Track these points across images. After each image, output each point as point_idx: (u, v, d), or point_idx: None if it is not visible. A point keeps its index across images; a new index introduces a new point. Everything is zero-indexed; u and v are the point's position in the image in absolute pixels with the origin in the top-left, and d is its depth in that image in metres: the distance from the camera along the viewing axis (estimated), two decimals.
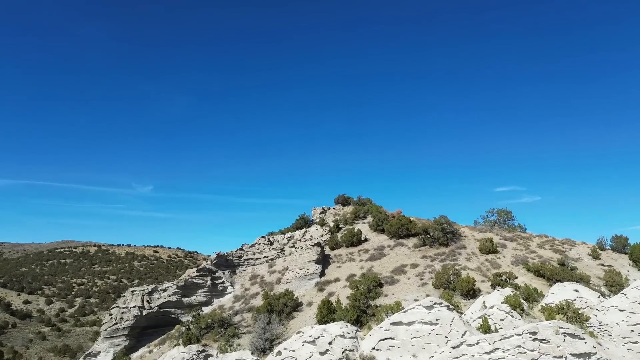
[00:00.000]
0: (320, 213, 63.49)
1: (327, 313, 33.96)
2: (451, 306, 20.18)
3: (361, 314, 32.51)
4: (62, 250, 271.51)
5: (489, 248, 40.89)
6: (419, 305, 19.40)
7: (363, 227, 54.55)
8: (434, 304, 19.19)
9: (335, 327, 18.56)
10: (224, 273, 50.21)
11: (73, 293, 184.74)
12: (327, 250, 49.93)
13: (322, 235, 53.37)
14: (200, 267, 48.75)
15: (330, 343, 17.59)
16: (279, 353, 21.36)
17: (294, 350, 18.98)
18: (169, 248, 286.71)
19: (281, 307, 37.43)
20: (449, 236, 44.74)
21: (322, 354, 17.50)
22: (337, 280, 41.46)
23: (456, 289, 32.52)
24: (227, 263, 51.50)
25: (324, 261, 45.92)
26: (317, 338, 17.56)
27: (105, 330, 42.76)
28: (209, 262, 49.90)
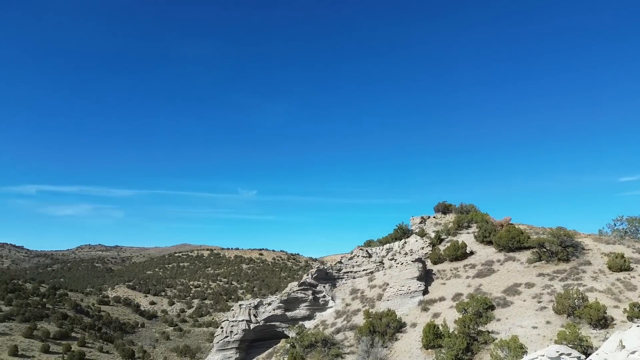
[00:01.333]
0: (420, 222, 61.06)
1: (434, 338, 32.16)
2: (582, 356, 17.43)
3: (471, 341, 30.20)
4: (179, 254, 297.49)
5: (620, 265, 35.68)
6: (543, 356, 17.03)
7: (467, 238, 51.22)
8: (561, 354, 16.68)
9: None
10: (324, 287, 50.42)
11: (190, 295, 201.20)
12: (428, 264, 47.71)
13: (422, 248, 51.17)
14: (301, 282, 49.50)
15: None
16: None
17: None
18: (273, 251, 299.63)
19: (384, 328, 36.34)
20: (569, 250, 39.97)
21: None
22: (442, 299, 39.24)
23: (583, 316, 28.70)
24: (327, 276, 51.67)
25: (426, 277, 43.87)
26: None
27: (218, 342, 45.25)
28: (310, 275, 50.47)
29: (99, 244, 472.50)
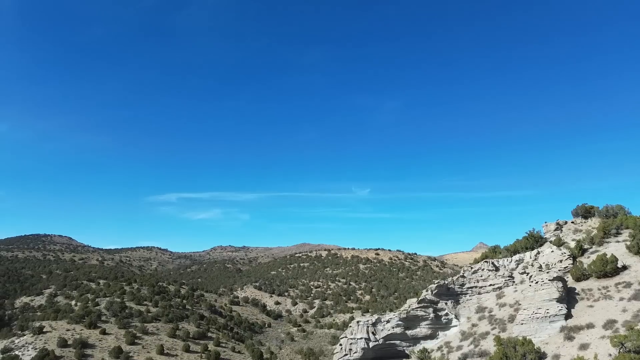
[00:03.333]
0: (555, 229, 53.94)
1: None
2: None
3: None
4: (300, 254, 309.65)
5: None
6: None
7: (617, 248, 43.64)
8: None
9: None
10: (446, 304, 46.98)
11: (312, 295, 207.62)
12: (569, 280, 41.56)
13: (560, 261, 44.87)
14: (420, 298, 46.71)
15: None
16: None
17: None
18: (389, 250, 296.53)
19: (520, 359, 32.13)
20: None
21: None
22: (590, 326, 33.58)
23: None
24: (448, 292, 48.11)
25: (568, 297, 38.15)
26: None
27: None
28: (429, 292, 47.39)
29: (229, 245, 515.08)
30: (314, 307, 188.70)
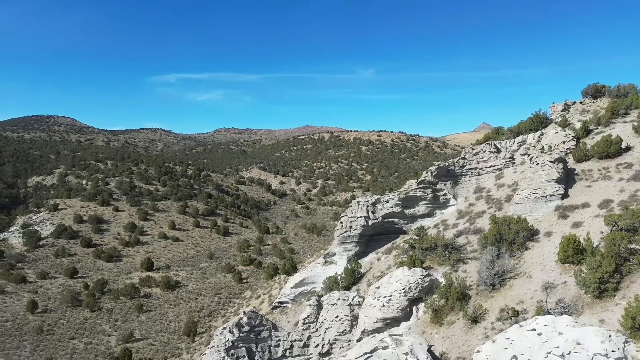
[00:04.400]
0: (562, 110, 52.64)
1: (573, 253, 28.65)
2: None
3: (621, 262, 26.17)
4: (303, 137, 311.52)
5: None
6: None
7: (623, 129, 42.84)
8: None
9: (594, 340, 13.97)
10: (445, 185, 47.86)
11: (315, 175, 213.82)
12: (570, 161, 41.58)
13: (563, 142, 44.47)
14: (420, 180, 47.45)
15: None
16: (497, 334, 18.38)
17: (511, 341, 15.75)
18: (392, 132, 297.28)
19: (513, 237, 33.47)
20: None
21: None
22: (585, 205, 34.30)
23: None
24: (448, 174, 48.69)
25: (566, 178, 38.47)
26: (568, 354, 13.65)
27: (338, 236, 47.06)
28: (429, 173, 47.96)
29: (233, 127, 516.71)
30: (317, 186, 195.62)
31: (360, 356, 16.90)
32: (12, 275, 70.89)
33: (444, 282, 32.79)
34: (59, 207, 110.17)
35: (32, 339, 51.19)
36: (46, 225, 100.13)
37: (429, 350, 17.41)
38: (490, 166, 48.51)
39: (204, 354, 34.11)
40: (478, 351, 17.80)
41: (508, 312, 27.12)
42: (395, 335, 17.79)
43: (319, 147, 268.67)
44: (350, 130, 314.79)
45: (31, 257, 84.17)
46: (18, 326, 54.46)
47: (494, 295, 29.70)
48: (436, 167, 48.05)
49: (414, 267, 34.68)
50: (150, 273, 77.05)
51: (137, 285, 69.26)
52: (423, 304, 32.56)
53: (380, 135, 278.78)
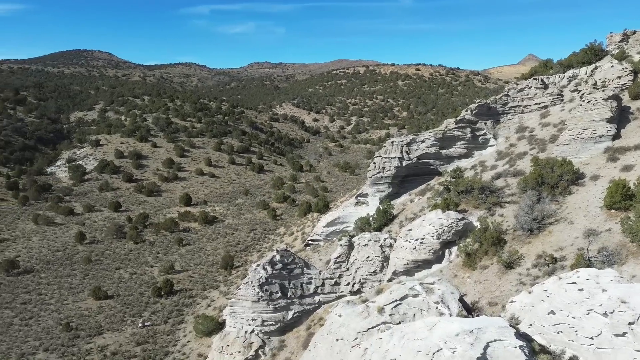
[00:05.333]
0: (620, 41, 47.84)
1: (621, 199, 26.99)
2: None
3: None
4: (337, 71, 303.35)
5: None
6: None
7: None
8: None
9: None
10: (485, 124, 45.53)
11: (349, 112, 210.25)
12: (625, 98, 38.27)
13: (619, 77, 40.76)
14: (458, 119, 45.24)
15: (630, 324, 12.34)
16: (532, 281, 17.45)
17: (549, 294, 14.93)
18: (431, 66, 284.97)
19: (555, 180, 31.80)
20: None
21: (616, 335, 12.48)
22: (638, 147, 31.87)
23: None
24: (489, 112, 46.13)
25: (620, 118, 35.61)
26: (612, 312, 12.75)
27: (371, 177, 46.37)
28: (469, 111, 45.55)
29: (266, 62, 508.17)
30: (351, 123, 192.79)
31: (390, 303, 16.76)
32: (60, 207, 75.10)
33: (479, 226, 32.00)
34: (101, 142, 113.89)
35: (81, 267, 54.89)
36: (90, 160, 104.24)
37: (461, 300, 17.06)
38: (536, 104, 45.52)
39: (240, 288, 35.52)
40: (512, 301, 17.31)
41: (545, 259, 26.27)
42: (426, 283, 17.47)
43: (354, 82, 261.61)
44: (387, 64, 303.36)
45: (77, 190, 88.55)
46: (68, 255, 58.37)
47: (531, 240, 28.77)
48: (477, 105, 45.51)
49: (448, 210, 33.90)
50: (188, 208, 79.83)
51: (176, 220, 72.10)
52: (456, 247, 32.13)
53: (418, 69, 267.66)
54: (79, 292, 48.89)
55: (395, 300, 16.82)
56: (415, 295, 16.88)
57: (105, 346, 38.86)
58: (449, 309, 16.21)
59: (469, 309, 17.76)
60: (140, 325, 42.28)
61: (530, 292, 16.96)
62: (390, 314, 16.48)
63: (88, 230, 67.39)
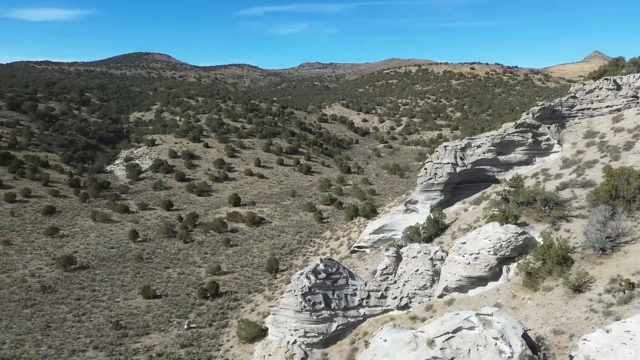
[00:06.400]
0: None
1: None
2: None
3: None
4: (388, 70, 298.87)
5: None
6: None
7: None
8: None
9: None
10: (548, 128, 42.07)
11: (399, 112, 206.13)
12: None
13: None
14: (519, 122, 42.08)
15: None
16: (604, 309, 14.99)
17: (632, 336, 12.69)
18: (486, 64, 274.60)
19: (632, 194, 28.44)
20: None
21: None
22: None
23: None
24: (553, 115, 42.63)
25: None
26: None
27: (421, 183, 44.16)
28: (531, 115, 42.28)
29: (317, 62, 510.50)
30: (402, 124, 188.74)
31: (441, 335, 15.02)
32: (116, 205, 78.03)
33: (541, 242, 29.19)
34: (156, 142, 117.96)
35: (133, 265, 56.39)
36: (145, 160, 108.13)
37: (525, 335, 15.03)
38: (607, 106, 41.53)
39: (282, 297, 34.65)
40: (586, 340, 15.04)
41: (621, 284, 23.28)
42: (484, 314, 15.56)
43: (405, 81, 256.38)
44: (440, 63, 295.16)
45: (133, 188, 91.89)
46: (121, 253, 60.23)
47: (603, 261, 25.73)
48: (539, 107, 42.16)
49: (506, 222, 31.26)
50: (236, 208, 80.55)
51: (224, 220, 72.83)
52: (515, 264, 29.46)
53: (473, 68, 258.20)
54: (130, 290, 50.11)
55: (447, 332, 15.04)
56: (471, 328, 15.02)
57: (151, 347, 39.30)
58: (510, 346, 14.25)
59: (534, 347, 15.65)
60: (185, 327, 42.54)
61: (608, 332, 14.64)
62: (442, 348, 14.74)
63: (141, 228, 69.41)
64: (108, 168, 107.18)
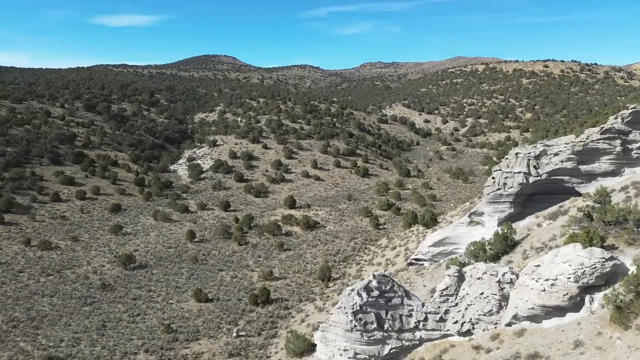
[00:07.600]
0: None
1: None
2: None
3: None
4: (453, 69, 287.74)
5: None
6: None
7: None
8: None
9: None
10: None
11: (464, 113, 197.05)
12: None
13: None
14: (605, 128, 37.02)
15: None
16: None
17: None
18: (562, 62, 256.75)
19: None
20: None
21: None
22: None
23: None
24: None
25: None
26: None
27: (488, 194, 40.23)
28: (620, 119, 37.09)
29: (379, 61, 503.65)
30: (466, 125, 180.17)
31: None
32: (177, 204, 79.86)
33: (634, 271, 24.84)
34: (217, 142, 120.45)
35: (188, 267, 56.86)
36: (206, 160, 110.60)
37: None
38: None
39: (332, 313, 32.57)
40: None
41: None
42: None
43: (471, 80, 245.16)
44: (509, 61, 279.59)
45: (194, 188, 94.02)
46: (179, 253, 61.08)
47: None
48: (630, 110, 36.86)
49: (590, 244, 27.08)
50: (292, 211, 79.64)
51: (279, 223, 72.07)
52: (601, 294, 25.31)
53: (546, 66, 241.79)
54: (184, 292, 50.34)
55: None
56: None
57: (200, 353, 38.82)
58: None
59: None
60: (234, 334, 41.73)
61: None
62: None
63: (199, 229, 70.32)
64: (172, 167, 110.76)
